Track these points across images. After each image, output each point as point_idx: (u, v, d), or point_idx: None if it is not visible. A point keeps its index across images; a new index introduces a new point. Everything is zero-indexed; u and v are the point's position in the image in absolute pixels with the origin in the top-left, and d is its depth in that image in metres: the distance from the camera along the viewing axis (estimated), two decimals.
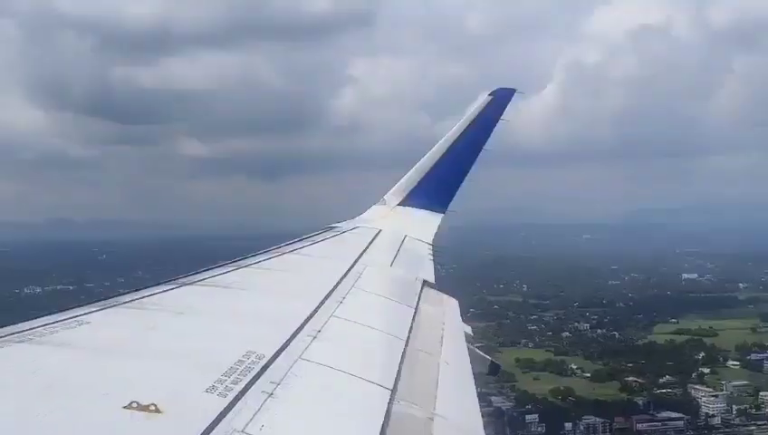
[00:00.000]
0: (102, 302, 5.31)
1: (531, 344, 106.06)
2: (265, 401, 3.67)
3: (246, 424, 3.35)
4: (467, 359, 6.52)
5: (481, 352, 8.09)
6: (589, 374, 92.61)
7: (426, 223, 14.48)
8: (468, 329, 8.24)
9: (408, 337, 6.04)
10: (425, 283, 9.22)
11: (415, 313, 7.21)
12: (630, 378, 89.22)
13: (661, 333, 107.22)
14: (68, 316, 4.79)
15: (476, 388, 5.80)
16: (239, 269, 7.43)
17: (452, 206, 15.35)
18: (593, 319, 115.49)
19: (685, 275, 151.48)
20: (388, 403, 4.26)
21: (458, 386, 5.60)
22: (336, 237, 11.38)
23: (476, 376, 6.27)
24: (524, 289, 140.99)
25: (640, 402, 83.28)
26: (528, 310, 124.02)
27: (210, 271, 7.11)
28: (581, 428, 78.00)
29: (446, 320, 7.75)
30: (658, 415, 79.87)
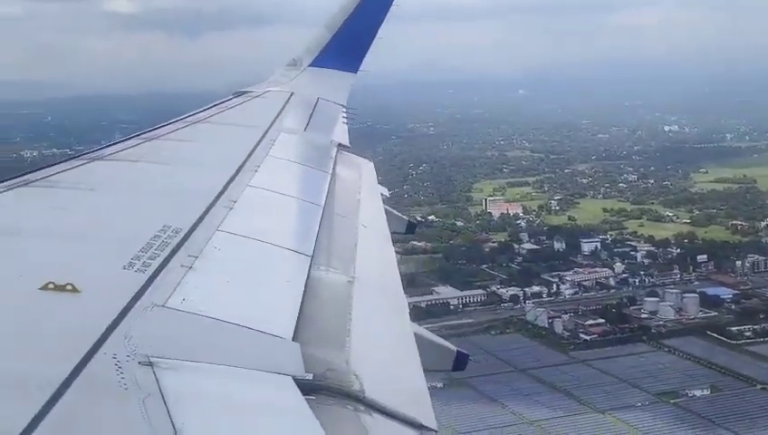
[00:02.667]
0: (8, 182, 5.10)
1: (599, 196, 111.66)
2: (185, 274, 3.69)
3: (167, 298, 3.38)
4: (385, 220, 6.66)
5: (397, 213, 8.13)
6: (688, 220, 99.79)
7: (338, 84, 14.22)
8: (385, 190, 8.30)
9: (325, 203, 6.09)
10: (340, 146, 9.18)
11: (331, 177, 7.22)
12: (735, 221, 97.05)
13: (702, 182, 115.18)
14: None
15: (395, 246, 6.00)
16: (149, 142, 7.23)
17: (363, 65, 14.96)
18: (629, 169, 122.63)
19: (666, 127, 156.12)
20: (308, 269, 4.35)
21: (376, 248, 5.71)
22: (247, 103, 11.11)
23: (394, 236, 6.40)
24: (526, 144, 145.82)
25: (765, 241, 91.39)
26: (559, 164, 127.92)
27: (119, 144, 6.96)
28: (747, 265, 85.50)
29: (363, 183, 7.82)
30: None
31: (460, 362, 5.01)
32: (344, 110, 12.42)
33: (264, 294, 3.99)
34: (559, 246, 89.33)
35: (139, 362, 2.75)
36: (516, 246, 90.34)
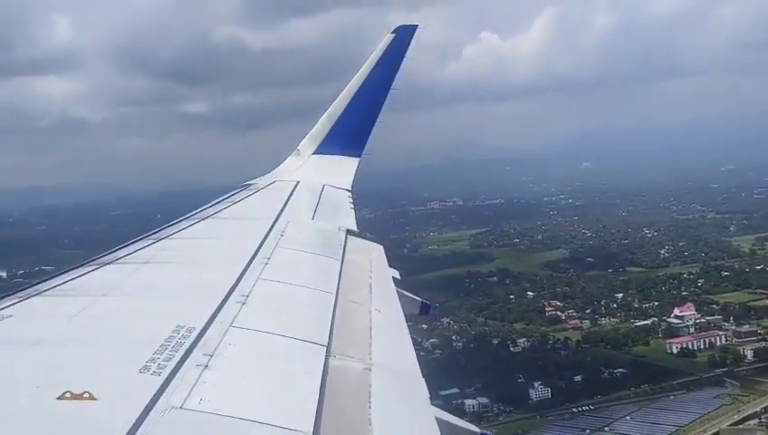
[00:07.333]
0: (22, 292, 5.19)
1: None
2: (201, 373, 3.67)
3: (184, 400, 3.35)
4: (398, 304, 6.57)
5: (411, 295, 8.11)
6: None
7: (342, 169, 14.31)
8: (396, 273, 8.21)
9: (338, 290, 6.07)
10: (348, 232, 9.20)
11: (341, 264, 7.24)
12: None
13: None
14: None
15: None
16: (159, 241, 7.29)
17: (367, 149, 15.13)
18: None
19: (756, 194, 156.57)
20: (324, 359, 4.28)
21: (391, 332, 5.64)
22: (254, 196, 11.16)
23: (408, 318, 6.43)
24: (697, 207, 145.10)
25: None
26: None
27: (130, 246, 6.99)
28: None
29: (374, 267, 7.81)
30: None
31: None
32: (350, 194, 12.69)
33: (281, 387, 3.95)
34: None
35: None
36: None
